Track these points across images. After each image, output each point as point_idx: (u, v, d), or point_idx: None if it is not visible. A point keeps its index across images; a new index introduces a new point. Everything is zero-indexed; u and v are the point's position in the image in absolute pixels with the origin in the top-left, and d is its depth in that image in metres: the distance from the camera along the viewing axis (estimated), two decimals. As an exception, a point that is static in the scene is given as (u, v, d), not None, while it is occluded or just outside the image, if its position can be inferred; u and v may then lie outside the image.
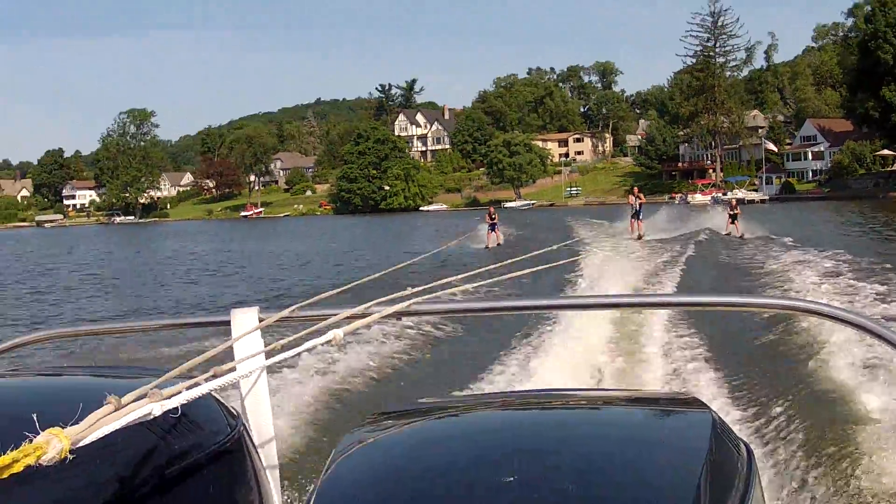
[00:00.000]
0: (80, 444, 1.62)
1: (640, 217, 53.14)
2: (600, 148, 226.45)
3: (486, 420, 2.76)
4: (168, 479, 2.28)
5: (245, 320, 2.98)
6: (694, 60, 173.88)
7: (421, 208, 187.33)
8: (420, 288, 3.05)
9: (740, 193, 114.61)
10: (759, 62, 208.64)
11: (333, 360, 14.98)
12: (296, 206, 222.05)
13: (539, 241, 44.14)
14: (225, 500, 2.51)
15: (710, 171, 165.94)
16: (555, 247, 25.40)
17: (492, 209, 56.05)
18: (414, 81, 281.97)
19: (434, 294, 3.08)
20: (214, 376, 2.15)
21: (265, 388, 2.92)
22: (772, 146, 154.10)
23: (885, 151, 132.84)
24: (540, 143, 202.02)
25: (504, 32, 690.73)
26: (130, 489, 2.13)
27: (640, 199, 53.99)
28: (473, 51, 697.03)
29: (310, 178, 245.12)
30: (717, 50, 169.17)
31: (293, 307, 3.06)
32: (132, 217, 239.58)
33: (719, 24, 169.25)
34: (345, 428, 2.53)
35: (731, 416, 11.73)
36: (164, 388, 1.98)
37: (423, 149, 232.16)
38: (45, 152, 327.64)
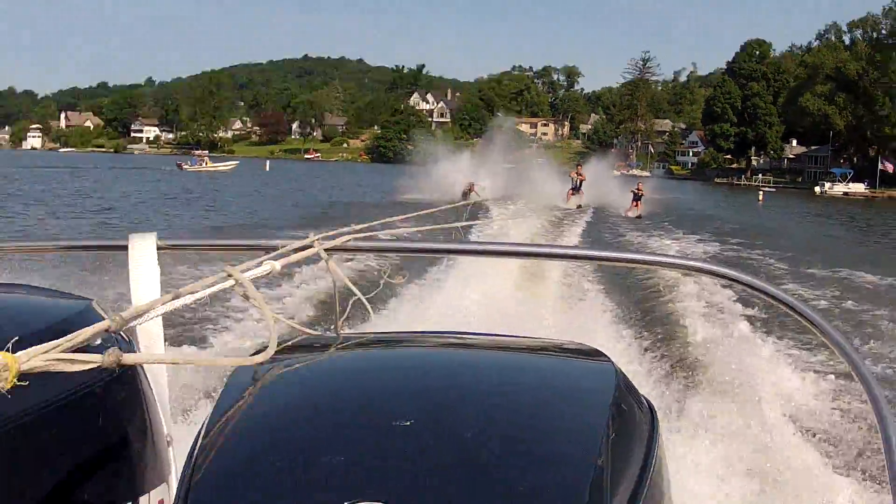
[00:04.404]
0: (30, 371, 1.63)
1: (581, 191, 60.47)
2: (560, 132, 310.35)
3: (388, 357, 2.84)
4: (54, 407, 2.30)
5: (143, 246, 3.06)
6: (630, 78, 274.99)
7: (440, 164, 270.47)
8: (363, 225, 3.16)
9: (636, 172, 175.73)
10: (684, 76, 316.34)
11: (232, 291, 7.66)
12: (341, 154, 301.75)
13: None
14: (111, 427, 2.58)
15: (631, 156, 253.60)
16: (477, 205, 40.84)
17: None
18: (422, 66, 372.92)
19: (371, 233, 3.16)
20: (174, 297, 2.17)
21: (159, 321, 2.94)
22: (651, 149, 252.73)
23: (728, 156, 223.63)
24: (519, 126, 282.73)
25: (495, 26, 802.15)
26: (13, 417, 2.17)
27: (581, 176, 61.95)
28: (467, 35, 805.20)
29: (340, 133, 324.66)
30: (641, 82, 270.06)
31: (201, 239, 3.30)
32: (206, 151, 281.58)
33: (646, 66, 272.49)
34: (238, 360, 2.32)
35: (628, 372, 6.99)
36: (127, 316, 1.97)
37: (430, 120, 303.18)
38: (116, 89, 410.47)
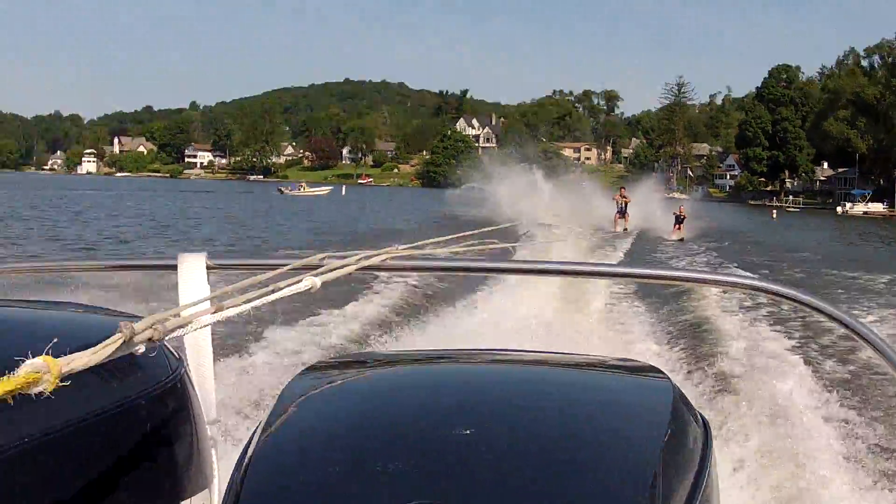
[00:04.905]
0: (72, 371, 1.61)
1: (626, 214, 61.79)
2: (603, 156, 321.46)
3: (442, 374, 2.87)
4: (102, 420, 2.33)
5: (192, 265, 3.11)
6: (666, 103, 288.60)
7: (490, 189, 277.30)
8: (405, 245, 3.19)
9: (676, 195, 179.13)
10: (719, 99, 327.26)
11: (279, 310, 14.94)
12: (392, 179, 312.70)
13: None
14: (159, 444, 2.61)
15: (671, 180, 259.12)
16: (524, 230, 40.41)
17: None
18: (466, 91, 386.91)
19: (411, 252, 3.18)
20: (216, 310, 2.18)
21: (208, 333, 3.00)
22: (690, 173, 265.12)
23: (762, 179, 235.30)
24: (562, 150, 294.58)
25: (534, 50, 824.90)
26: (61, 425, 2.18)
27: (626, 198, 63.26)
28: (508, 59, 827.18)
29: (390, 159, 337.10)
30: (678, 106, 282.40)
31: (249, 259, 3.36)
32: (261, 176, 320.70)
33: (682, 91, 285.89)
34: (285, 376, 2.74)
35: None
36: (164, 322, 1.95)
37: (477, 145, 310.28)
38: (161, 113, 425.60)
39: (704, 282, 3.51)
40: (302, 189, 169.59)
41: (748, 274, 21.06)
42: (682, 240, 55.78)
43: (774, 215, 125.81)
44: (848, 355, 14.98)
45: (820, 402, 12.53)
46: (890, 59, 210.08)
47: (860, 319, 2.87)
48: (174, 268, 3.12)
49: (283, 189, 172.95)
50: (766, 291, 3.08)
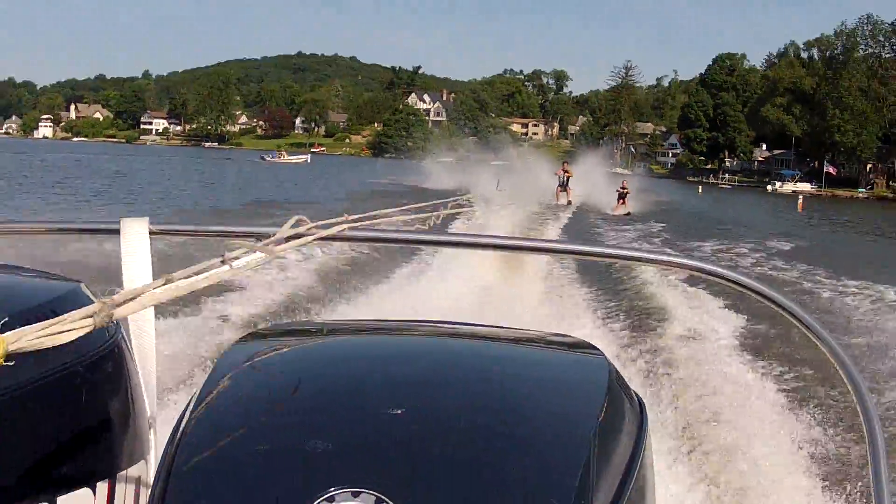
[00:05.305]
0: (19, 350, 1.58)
1: (568, 188, 62.02)
2: (550, 132, 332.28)
3: (380, 345, 2.83)
4: (39, 385, 2.31)
5: (135, 231, 3.00)
6: (613, 85, 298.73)
7: (438, 160, 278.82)
8: (356, 216, 3.13)
9: (619, 170, 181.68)
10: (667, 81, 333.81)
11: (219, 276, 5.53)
12: (344, 149, 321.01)
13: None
14: (95, 408, 2.58)
15: (616, 156, 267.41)
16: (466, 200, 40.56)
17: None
18: (418, 67, 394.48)
19: (364, 223, 3.15)
20: (166, 283, 2.10)
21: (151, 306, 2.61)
22: (633, 150, 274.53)
23: (702, 158, 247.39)
24: (510, 126, 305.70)
25: (487, 28, 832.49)
26: None
27: (568, 173, 63.65)
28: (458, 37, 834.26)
29: (341, 129, 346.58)
30: (624, 88, 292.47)
31: (190, 225, 3.27)
32: (216, 144, 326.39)
33: (629, 74, 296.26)
34: (226, 343, 3.13)
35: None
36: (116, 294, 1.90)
37: (427, 119, 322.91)
38: (114, 81, 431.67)
39: (648, 261, 3.46)
40: (282, 157, 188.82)
41: (690, 255, 18.42)
42: (628, 214, 55.91)
43: (700, 190, 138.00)
44: (785, 336, 14.37)
45: (758, 384, 12.56)
46: (827, 52, 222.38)
47: (803, 310, 2.80)
48: (116, 232, 3.04)
49: (265, 157, 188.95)
50: (710, 274, 3.00)
